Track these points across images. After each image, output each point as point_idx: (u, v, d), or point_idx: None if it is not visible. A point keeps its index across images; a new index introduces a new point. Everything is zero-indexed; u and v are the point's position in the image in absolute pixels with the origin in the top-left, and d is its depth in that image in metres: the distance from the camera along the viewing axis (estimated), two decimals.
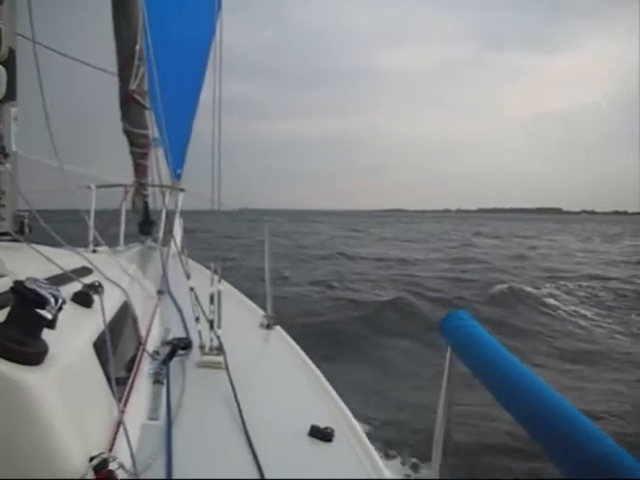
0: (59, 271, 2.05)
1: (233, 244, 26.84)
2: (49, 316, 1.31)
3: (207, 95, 4.95)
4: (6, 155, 2.43)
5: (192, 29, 5.41)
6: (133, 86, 4.09)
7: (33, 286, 1.29)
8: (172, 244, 4.95)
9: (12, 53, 2.42)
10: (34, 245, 2.24)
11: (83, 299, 1.93)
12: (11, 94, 2.42)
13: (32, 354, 1.29)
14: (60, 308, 1.36)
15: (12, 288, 1.30)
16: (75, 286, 2.01)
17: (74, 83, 4.74)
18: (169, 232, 5.20)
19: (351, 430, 2.12)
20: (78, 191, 4.50)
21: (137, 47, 3.90)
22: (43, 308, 1.29)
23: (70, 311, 1.79)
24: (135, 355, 2.39)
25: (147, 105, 4.45)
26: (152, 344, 2.68)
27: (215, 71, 3.28)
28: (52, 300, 1.31)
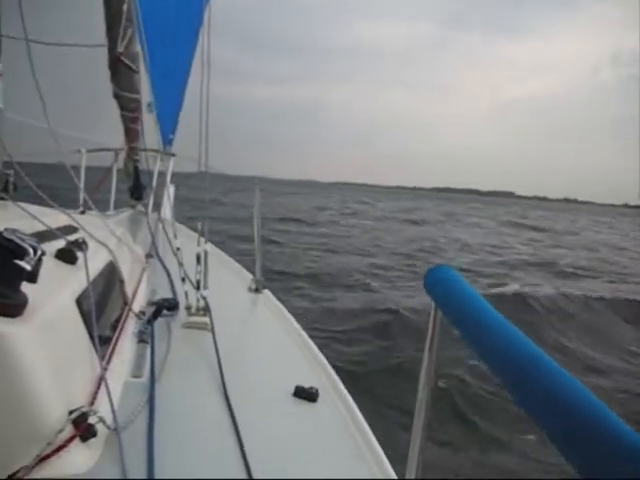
0: (44, 228, 2.04)
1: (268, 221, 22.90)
2: (28, 267, 1.31)
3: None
4: None
5: None
6: (121, 48, 4.03)
7: (12, 237, 1.29)
8: (162, 208, 4.95)
9: None
10: (20, 203, 2.23)
11: (66, 256, 1.93)
12: None
13: (11, 305, 1.30)
14: (39, 260, 1.36)
15: None
16: (59, 243, 2.00)
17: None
18: (160, 197, 5.20)
19: (336, 390, 2.14)
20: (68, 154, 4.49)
21: (124, 7, 3.84)
22: (22, 259, 1.30)
23: (53, 267, 1.80)
24: (120, 315, 2.39)
25: (136, 68, 4.39)
26: (138, 305, 2.69)
27: (205, 32, 3.23)
28: (31, 251, 1.31)
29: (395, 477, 1.57)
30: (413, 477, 1.41)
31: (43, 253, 1.37)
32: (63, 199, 2.62)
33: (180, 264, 2.95)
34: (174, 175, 5.87)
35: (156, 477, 1.38)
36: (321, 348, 2.60)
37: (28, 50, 2.46)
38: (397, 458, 1.61)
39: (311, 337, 2.72)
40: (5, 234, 1.29)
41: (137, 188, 5.74)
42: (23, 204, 2.23)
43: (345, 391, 2.14)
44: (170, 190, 5.80)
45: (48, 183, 2.60)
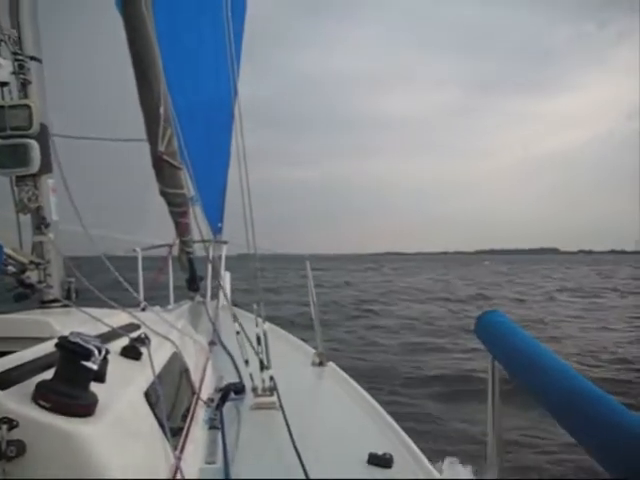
0: (107, 329, 2.10)
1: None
2: (94, 367, 1.34)
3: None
4: (47, 225, 2.55)
5: (214, 86, 5.58)
6: (162, 148, 4.20)
7: (76, 339, 1.34)
8: (220, 296, 5.03)
9: (44, 128, 2.55)
10: (83, 308, 2.30)
11: (131, 352, 1.97)
12: (46, 167, 2.56)
13: (82, 406, 1.33)
14: (105, 359, 1.40)
15: (57, 344, 1.34)
16: (124, 342, 2.06)
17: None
18: (217, 285, 5.29)
19: (411, 455, 2.08)
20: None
21: (161, 110, 4.03)
22: (88, 360, 1.33)
23: (119, 365, 1.84)
24: (189, 404, 2.41)
25: (179, 165, 4.57)
26: (206, 393, 2.70)
27: (237, 122, 3.41)
28: (96, 351, 1.35)
29: None
30: None
31: (108, 352, 1.41)
32: (121, 294, 2.71)
33: (241, 347, 2.98)
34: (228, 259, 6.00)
35: None
36: (393, 415, 2.54)
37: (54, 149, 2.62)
38: None
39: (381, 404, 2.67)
40: (70, 338, 1.34)
41: (193, 279, 5.85)
42: (86, 308, 2.30)
43: (421, 454, 2.08)
44: (226, 277, 5.91)
45: (107, 279, 2.69)
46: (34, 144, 2.47)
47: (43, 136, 2.54)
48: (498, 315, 1.34)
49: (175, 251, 5.56)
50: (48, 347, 1.58)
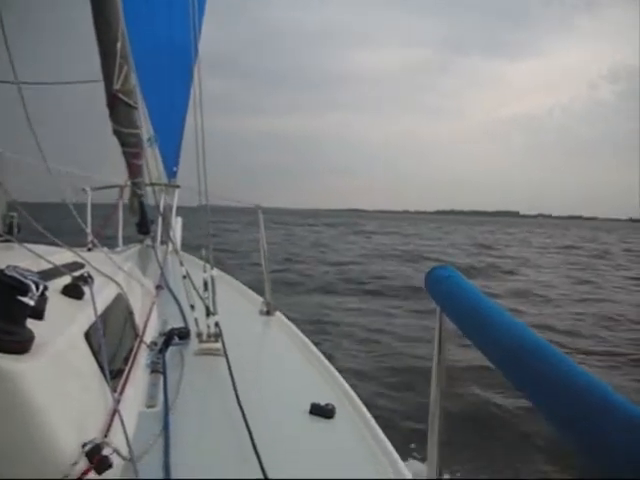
0: (50, 267, 2.05)
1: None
2: (31, 302, 1.31)
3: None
4: None
5: (173, 29, 5.42)
6: (117, 85, 4.07)
7: (13, 273, 1.30)
8: (170, 241, 4.97)
9: None
10: (25, 244, 2.24)
11: (73, 291, 1.94)
12: None
13: (16, 342, 1.29)
14: (43, 295, 1.36)
15: None
16: (65, 280, 2.01)
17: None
18: (167, 230, 5.22)
19: (353, 406, 2.12)
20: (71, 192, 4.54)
21: (118, 45, 3.89)
22: (25, 295, 1.30)
23: (59, 304, 1.80)
24: (132, 347, 2.39)
25: (134, 104, 4.44)
26: (150, 336, 2.69)
27: (197, 66, 3.33)
28: (33, 286, 1.32)
29: None
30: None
31: (46, 288, 1.37)
32: (69, 239, 2.64)
33: (188, 292, 2.95)
34: (179, 209, 5.91)
35: None
36: (336, 366, 2.58)
37: (20, 93, 2.50)
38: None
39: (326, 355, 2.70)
40: (6, 271, 1.30)
41: (144, 223, 5.76)
42: (28, 244, 2.24)
43: (362, 406, 2.11)
44: (177, 222, 5.84)
45: (53, 224, 2.60)
46: None
47: None
48: (449, 270, 1.35)
49: (126, 193, 5.45)
50: None
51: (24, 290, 1.29)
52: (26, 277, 1.32)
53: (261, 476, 1.50)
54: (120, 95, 4.14)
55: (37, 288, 1.33)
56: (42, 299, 1.37)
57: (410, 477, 1.62)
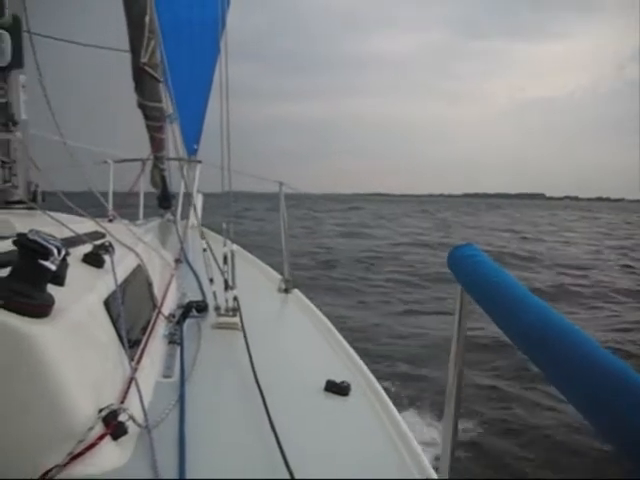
0: (71, 235, 2.07)
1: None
2: (53, 267, 1.32)
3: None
4: (15, 123, 2.46)
5: (201, 4, 5.40)
6: (144, 59, 4.07)
7: (35, 237, 1.30)
8: (190, 216, 4.99)
9: (17, 20, 2.43)
10: (49, 212, 2.26)
11: (93, 259, 1.95)
12: (18, 61, 2.44)
13: (37, 306, 1.31)
14: (64, 260, 1.37)
15: (14, 241, 1.31)
16: (87, 248, 2.03)
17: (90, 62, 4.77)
18: (188, 205, 5.24)
19: (368, 384, 2.12)
20: (94, 168, 4.58)
21: (147, 19, 3.89)
22: (46, 259, 1.31)
23: (80, 271, 1.82)
24: (150, 318, 2.41)
25: (160, 78, 4.44)
26: (168, 308, 2.71)
27: (223, 50, 3.32)
28: (55, 251, 1.32)
29: (430, 468, 1.54)
30: (448, 463, 1.37)
31: (67, 253, 1.38)
32: (90, 211, 2.67)
33: (207, 265, 2.96)
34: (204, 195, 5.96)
35: (187, 475, 1.37)
36: (352, 344, 2.58)
37: (32, 46, 2.52)
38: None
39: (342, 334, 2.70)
40: (29, 235, 1.30)
41: (165, 197, 5.79)
42: (52, 213, 2.26)
43: (377, 384, 2.12)
44: (198, 197, 5.86)
45: (76, 203, 2.63)
46: (5, 35, 2.35)
47: (15, 29, 2.41)
48: (472, 249, 1.33)
49: (148, 166, 5.47)
50: (6, 245, 1.54)
51: (46, 254, 1.30)
52: (48, 242, 1.32)
53: (276, 449, 1.50)
54: (147, 68, 4.14)
55: (59, 253, 1.34)
56: (63, 264, 1.38)
57: (423, 456, 1.62)
